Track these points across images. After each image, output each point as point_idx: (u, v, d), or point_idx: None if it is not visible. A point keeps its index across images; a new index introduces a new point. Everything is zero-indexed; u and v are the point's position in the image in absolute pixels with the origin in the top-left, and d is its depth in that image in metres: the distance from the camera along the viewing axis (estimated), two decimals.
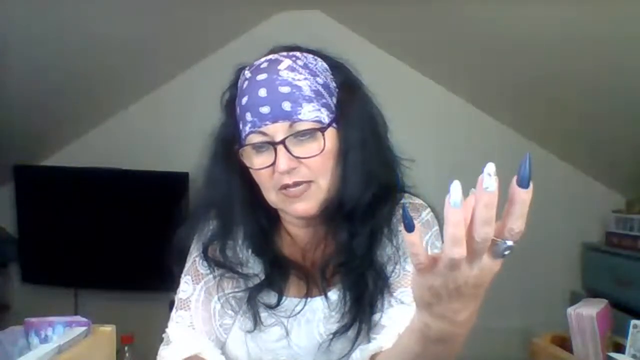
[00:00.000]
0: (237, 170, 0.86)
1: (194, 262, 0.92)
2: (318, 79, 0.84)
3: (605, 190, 2.85)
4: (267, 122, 0.80)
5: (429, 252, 0.89)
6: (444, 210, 0.48)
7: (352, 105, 0.85)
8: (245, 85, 0.83)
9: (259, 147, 0.82)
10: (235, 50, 2.82)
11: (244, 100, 0.82)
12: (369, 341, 0.85)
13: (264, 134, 0.81)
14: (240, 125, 0.84)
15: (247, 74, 0.84)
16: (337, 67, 0.88)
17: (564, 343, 1.32)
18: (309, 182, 0.81)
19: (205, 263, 0.91)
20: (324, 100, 0.83)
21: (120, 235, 2.73)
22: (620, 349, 1.16)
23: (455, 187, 0.47)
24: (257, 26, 2.80)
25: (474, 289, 0.52)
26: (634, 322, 1.11)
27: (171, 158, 2.72)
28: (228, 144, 0.87)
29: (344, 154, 0.84)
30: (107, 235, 2.72)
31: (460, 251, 0.48)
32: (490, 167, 0.47)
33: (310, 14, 2.72)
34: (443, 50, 2.60)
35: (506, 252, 0.50)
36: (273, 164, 0.81)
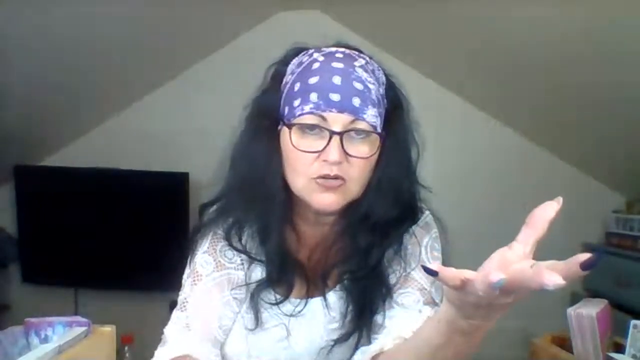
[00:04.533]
0: (278, 149, 0.84)
1: (195, 263, 0.92)
2: (380, 88, 0.84)
3: (605, 190, 2.85)
4: (333, 110, 0.79)
5: (429, 255, 0.90)
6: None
7: (397, 124, 0.86)
8: (315, 67, 0.81)
9: (308, 129, 0.81)
10: (235, 50, 2.83)
11: (313, 80, 0.80)
12: (369, 342, 0.86)
13: (323, 119, 0.79)
14: (295, 103, 0.81)
15: (319, 56, 0.83)
16: (389, 84, 0.88)
17: (564, 343, 1.32)
18: (345, 180, 0.81)
19: (210, 260, 0.90)
20: (380, 110, 0.83)
21: (120, 235, 2.73)
22: (620, 349, 1.16)
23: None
24: (257, 26, 2.80)
25: (506, 305, 0.55)
26: (634, 322, 1.11)
27: (171, 158, 2.73)
28: (270, 118, 0.85)
29: (383, 168, 0.84)
30: (107, 235, 2.71)
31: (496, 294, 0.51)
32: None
33: (310, 14, 2.72)
34: (443, 51, 2.60)
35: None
36: (321, 150, 0.80)
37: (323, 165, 0.80)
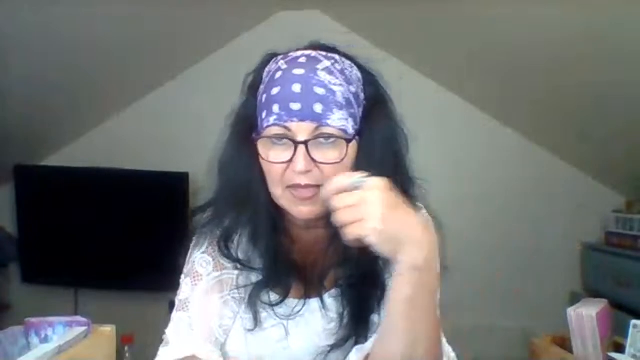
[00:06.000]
0: (258, 158, 0.84)
1: (194, 262, 0.92)
2: (351, 87, 0.83)
3: (605, 190, 2.85)
4: (295, 119, 0.78)
5: None
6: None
7: (377, 121, 0.85)
8: (278, 76, 0.81)
9: (277, 140, 0.81)
10: (235, 50, 2.83)
11: (275, 90, 0.80)
12: (366, 341, 0.86)
13: (287, 129, 0.79)
14: (263, 114, 0.81)
15: (282, 64, 0.82)
16: (368, 79, 0.87)
17: (564, 343, 1.32)
18: (319, 186, 0.80)
19: (209, 260, 0.90)
20: (352, 110, 0.82)
21: (120, 235, 2.73)
22: (620, 349, 1.16)
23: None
24: (257, 26, 2.80)
25: (388, 207, 0.71)
26: (634, 322, 1.11)
27: (171, 158, 2.73)
28: (250, 127, 0.85)
29: (363, 169, 0.82)
30: (107, 235, 2.72)
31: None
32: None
33: (310, 14, 2.72)
34: (443, 50, 2.60)
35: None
36: (289, 160, 0.79)
37: (294, 175, 0.80)
